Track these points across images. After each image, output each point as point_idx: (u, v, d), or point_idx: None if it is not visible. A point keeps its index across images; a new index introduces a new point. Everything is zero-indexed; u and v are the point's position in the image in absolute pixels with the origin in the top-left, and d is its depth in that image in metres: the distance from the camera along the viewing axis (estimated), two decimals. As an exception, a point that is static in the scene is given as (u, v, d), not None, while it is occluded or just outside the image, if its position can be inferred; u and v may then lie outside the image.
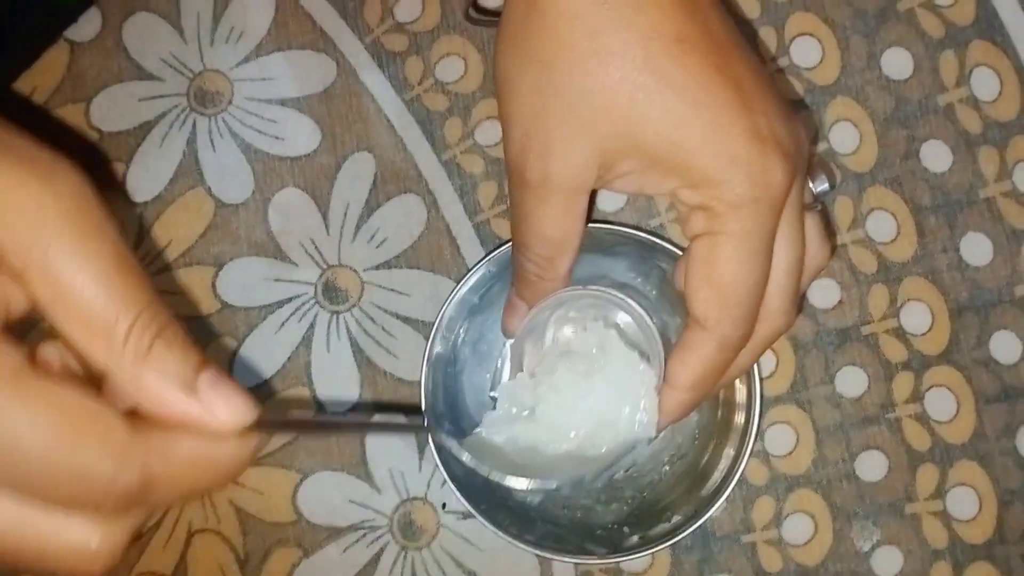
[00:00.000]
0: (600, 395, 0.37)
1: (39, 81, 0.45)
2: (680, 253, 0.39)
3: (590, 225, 0.41)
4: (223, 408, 0.23)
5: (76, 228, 0.21)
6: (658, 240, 0.39)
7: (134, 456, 0.21)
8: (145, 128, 0.45)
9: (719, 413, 0.41)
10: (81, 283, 0.21)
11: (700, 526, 0.39)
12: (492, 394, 0.44)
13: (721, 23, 0.32)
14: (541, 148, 0.32)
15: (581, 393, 0.37)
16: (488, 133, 0.45)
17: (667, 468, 0.42)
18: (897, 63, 0.44)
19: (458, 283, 0.40)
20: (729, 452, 0.40)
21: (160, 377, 0.22)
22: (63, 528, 0.22)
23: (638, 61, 0.30)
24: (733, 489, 0.39)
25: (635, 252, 0.41)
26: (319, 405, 0.44)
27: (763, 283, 0.32)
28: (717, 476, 0.40)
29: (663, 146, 0.31)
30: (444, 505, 0.43)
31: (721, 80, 0.31)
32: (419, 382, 0.40)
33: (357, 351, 0.44)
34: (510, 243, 0.39)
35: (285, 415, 0.27)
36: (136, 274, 0.22)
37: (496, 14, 0.34)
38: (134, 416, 0.22)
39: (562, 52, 0.30)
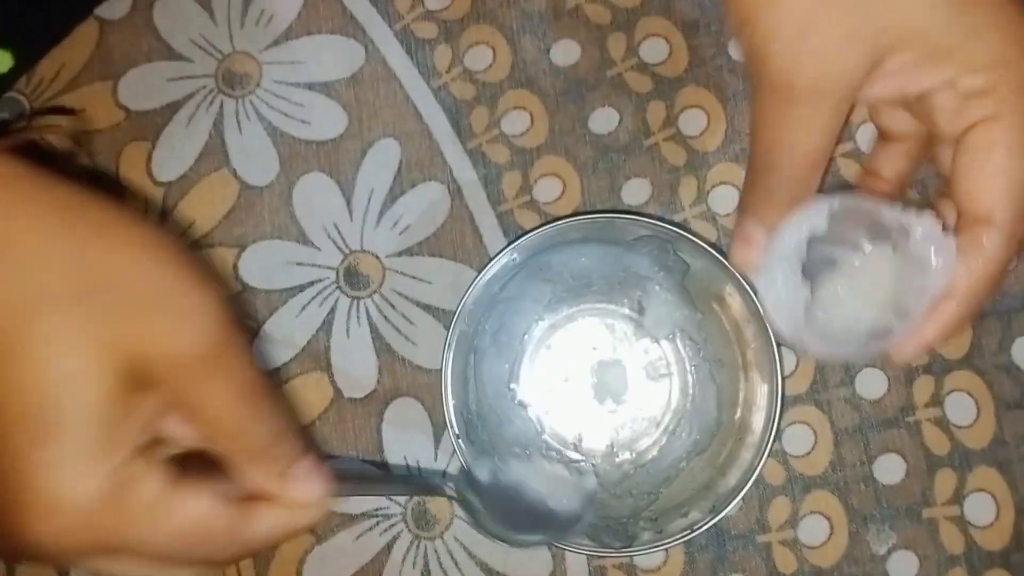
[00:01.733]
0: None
1: (68, 58, 0.45)
2: (702, 244, 0.39)
3: (614, 216, 0.41)
4: (306, 489, 0.30)
5: (217, 368, 0.27)
6: (682, 232, 0.39)
7: (242, 539, 0.28)
8: (172, 108, 0.45)
9: (738, 411, 0.41)
10: (227, 416, 0.27)
11: (715, 524, 0.38)
12: (512, 385, 0.44)
13: None
14: (817, 51, 0.30)
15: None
16: (515, 123, 0.45)
17: (684, 464, 0.42)
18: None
19: (480, 272, 0.40)
20: (748, 451, 0.40)
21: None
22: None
23: None
24: (749, 488, 0.38)
25: (657, 246, 0.41)
26: (336, 390, 0.44)
27: None
28: (735, 474, 0.40)
29: (947, 30, 0.30)
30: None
31: None
32: (440, 370, 0.39)
33: (376, 337, 0.44)
34: (530, 232, 0.39)
35: (344, 480, 0.32)
36: (263, 399, 0.28)
37: None
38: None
39: None
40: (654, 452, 0.43)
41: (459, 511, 0.43)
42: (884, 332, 0.33)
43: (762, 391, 0.40)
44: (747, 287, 0.38)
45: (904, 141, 0.36)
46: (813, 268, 0.34)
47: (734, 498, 0.38)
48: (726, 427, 0.42)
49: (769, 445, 0.38)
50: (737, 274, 0.38)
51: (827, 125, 0.32)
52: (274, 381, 0.43)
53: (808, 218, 0.33)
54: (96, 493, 0.25)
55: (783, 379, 0.39)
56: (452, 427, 0.39)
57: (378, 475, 0.40)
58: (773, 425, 0.39)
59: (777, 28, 0.31)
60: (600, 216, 0.39)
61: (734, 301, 0.40)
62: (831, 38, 0.30)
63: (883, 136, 0.37)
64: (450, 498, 0.38)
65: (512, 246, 0.39)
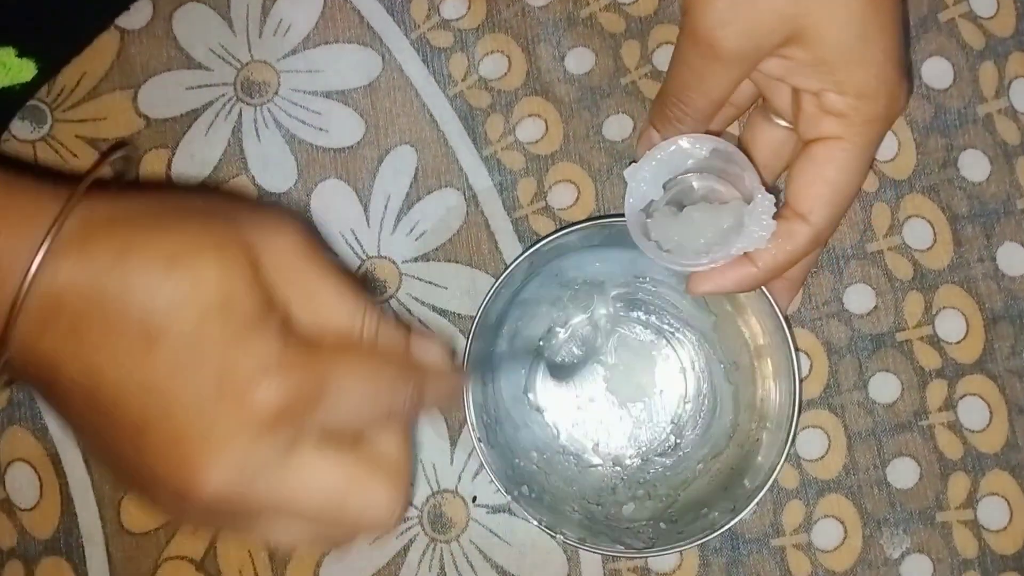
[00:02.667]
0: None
1: (89, 67, 0.46)
2: None
3: (624, 220, 0.41)
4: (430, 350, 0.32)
5: (312, 267, 0.29)
6: None
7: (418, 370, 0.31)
8: (192, 116, 0.45)
9: (756, 413, 0.41)
10: (327, 303, 0.30)
11: (729, 528, 0.39)
12: (528, 392, 0.44)
13: None
14: (748, 25, 0.35)
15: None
16: (529, 130, 0.45)
17: (701, 466, 0.43)
18: (937, 72, 0.45)
19: (497, 279, 0.40)
20: (766, 452, 0.40)
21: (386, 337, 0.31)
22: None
23: None
24: (764, 493, 0.39)
25: None
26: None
27: (858, 190, 0.37)
28: (754, 475, 0.40)
29: (840, 50, 0.35)
30: (475, 499, 0.44)
31: (898, 10, 0.36)
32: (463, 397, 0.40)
33: (393, 342, 0.44)
34: (547, 238, 0.39)
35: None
36: (351, 283, 0.30)
37: None
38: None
39: None
40: (672, 455, 0.44)
41: (475, 513, 0.44)
42: (691, 262, 0.37)
43: (779, 391, 0.40)
44: (763, 288, 0.39)
45: (733, 106, 0.41)
46: (679, 186, 0.39)
47: (754, 499, 0.38)
48: (743, 429, 0.42)
49: (788, 446, 0.39)
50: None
51: (737, 80, 0.37)
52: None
53: (693, 144, 0.38)
54: (282, 345, 0.27)
55: (801, 380, 0.39)
56: (473, 430, 0.39)
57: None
58: (792, 426, 0.39)
59: None
60: (616, 220, 0.40)
61: (749, 302, 0.40)
62: (761, 16, 0.35)
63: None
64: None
65: (528, 252, 0.40)
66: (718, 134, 0.41)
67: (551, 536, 0.39)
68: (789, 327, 0.39)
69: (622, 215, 0.38)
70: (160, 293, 0.26)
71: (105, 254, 0.26)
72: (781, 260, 0.37)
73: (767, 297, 0.39)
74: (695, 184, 0.39)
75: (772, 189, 0.38)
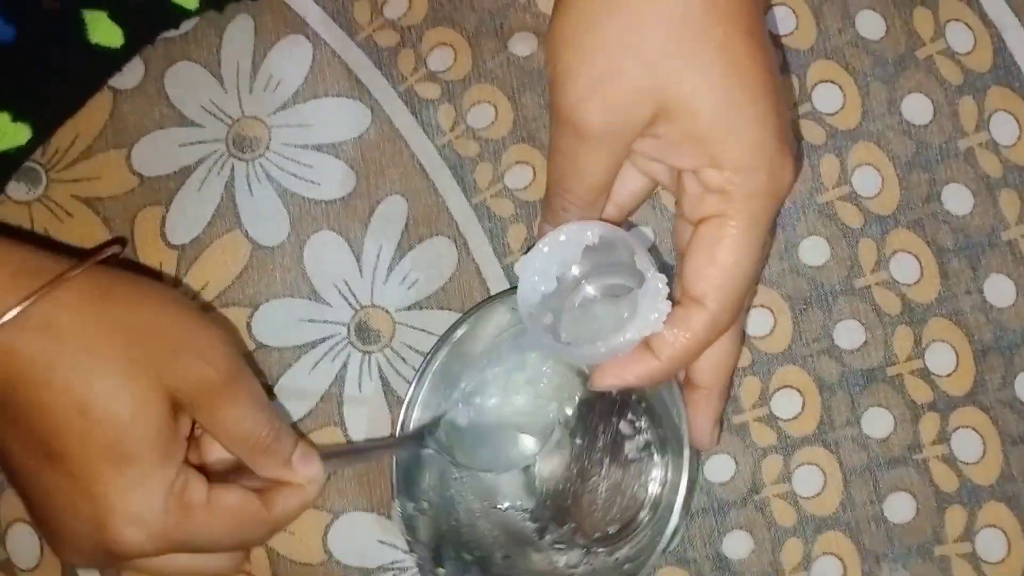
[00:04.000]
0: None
1: (82, 127, 0.46)
2: None
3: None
4: (307, 470, 0.39)
5: (231, 401, 0.36)
6: None
7: (271, 519, 0.38)
8: (185, 173, 0.46)
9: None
10: (233, 435, 0.36)
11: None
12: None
13: (764, 26, 0.36)
14: (608, 102, 0.34)
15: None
16: (518, 177, 0.46)
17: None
18: (917, 108, 0.45)
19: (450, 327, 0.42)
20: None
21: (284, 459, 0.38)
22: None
23: (717, 41, 0.33)
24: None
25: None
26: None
27: (757, 274, 0.36)
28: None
29: (711, 122, 0.34)
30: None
31: (770, 81, 0.35)
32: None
33: (388, 391, 0.45)
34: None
35: (333, 456, 0.41)
36: (267, 410, 0.37)
37: None
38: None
39: (655, 18, 0.33)
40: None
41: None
42: (589, 353, 0.37)
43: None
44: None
45: (614, 207, 0.40)
46: (580, 273, 0.40)
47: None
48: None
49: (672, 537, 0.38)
50: None
51: (610, 164, 0.36)
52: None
53: (587, 228, 0.38)
54: (164, 503, 0.34)
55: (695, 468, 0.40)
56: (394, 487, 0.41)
57: (362, 447, 0.44)
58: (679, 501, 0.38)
59: (575, 69, 0.34)
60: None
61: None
62: (622, 92, 0.34)
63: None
64: (427, 448, 0.42)
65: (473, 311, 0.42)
66: (619, 222, 0.41)
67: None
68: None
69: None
70: (96, 399, 0.33)
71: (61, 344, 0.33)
72: (680, 349, 0.36)
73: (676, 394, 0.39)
74: (589, 289, 0.39)
75: (664, 269, 0.37)
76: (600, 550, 0.42)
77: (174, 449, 0.35)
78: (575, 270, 0.39)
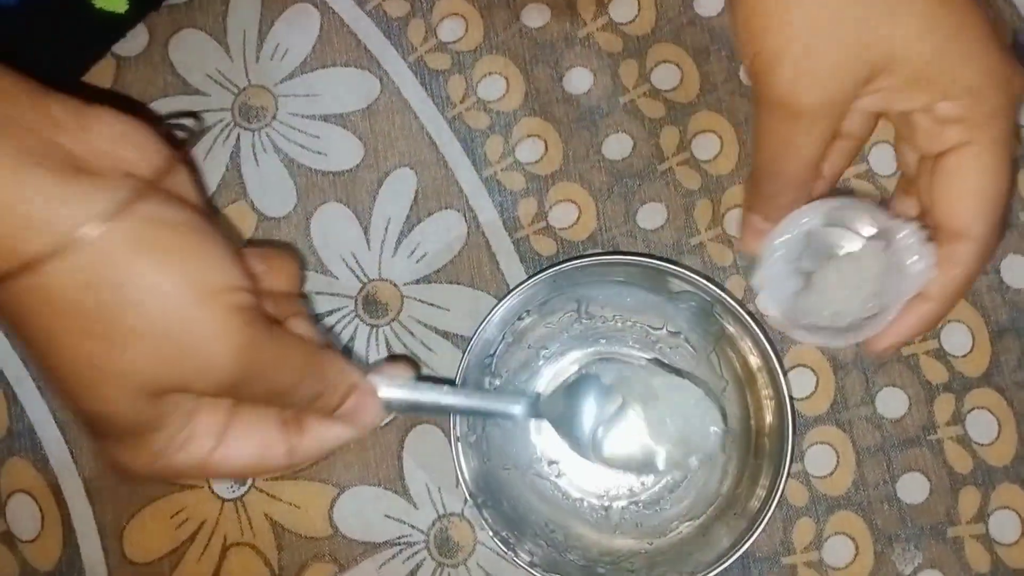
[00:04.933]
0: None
1: (85, 95, 0.45)
2: (740, 310, 0.39)
3: (652, 263, 0.40)
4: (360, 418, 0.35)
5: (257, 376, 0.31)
6: (723, 294, 0.39)
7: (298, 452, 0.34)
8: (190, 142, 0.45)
9: (741, 487, 0.41)
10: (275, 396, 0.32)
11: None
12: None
13: None
14: (820, 72, 0.33)
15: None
16: (528, 150, 0.45)
17: (676, 524, 0.42)
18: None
19: (499, 300, 0.40)
20: (741, 523, 0.39)
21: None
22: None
23: None
24: (773, 511, 0.38)
25: (698, 304, 0.40)
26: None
27: (1010, 190, 0.35)
28: (723, 543, 0.39)
29: (931, 60, 0.33)
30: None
31: (974, 7, 0.34)
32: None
33: (396, 365, 0.44)
34: (549, 268, 0.39)
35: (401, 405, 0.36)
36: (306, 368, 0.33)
37: None
38: None
39: None
40: (651, 507, 0.43)
41: (481, 536, 0.43)
42: (864, 324, 0.36)
43: (767, 473, 0.39)
44: (776, 367, 0.38)
45: (848, 140, 0.39)
46: (809, 262, 0.38)
47: (714, 570, 0.38)
48: (725, 499, 0.41)
49: (762, 525, 0.38)
50: (769, 350, 0.39)
51: (826, 135, 0.35)
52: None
53: (807, 214, 0.37)
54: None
55: (790, 464, 0.38)
56: (465, 483, 0.39)
57: (440, 400, 0.37)
58: (769, 507, 0.38)
59: (783, 50, 0.33)
60: (647, 261, 0.39)
61: (761, 377, 0.40)
62: (832, 59, 0.33)
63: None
64: (519, 416, 0.38)
65: (537, 278, 0.39)
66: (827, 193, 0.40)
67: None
68: (793, 413, 0.38)
69: (652, 256, 0.37)
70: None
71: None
72: (954, 288, 0.35)
73: (781, 380, 0.38)
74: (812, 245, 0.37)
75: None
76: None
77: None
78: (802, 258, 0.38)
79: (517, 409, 0.38)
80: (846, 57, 0.33)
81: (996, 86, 0.34)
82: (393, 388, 0.35)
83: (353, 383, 0.34)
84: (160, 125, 0.31)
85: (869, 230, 0.37)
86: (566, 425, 0.39)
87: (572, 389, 0.40)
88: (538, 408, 0.39)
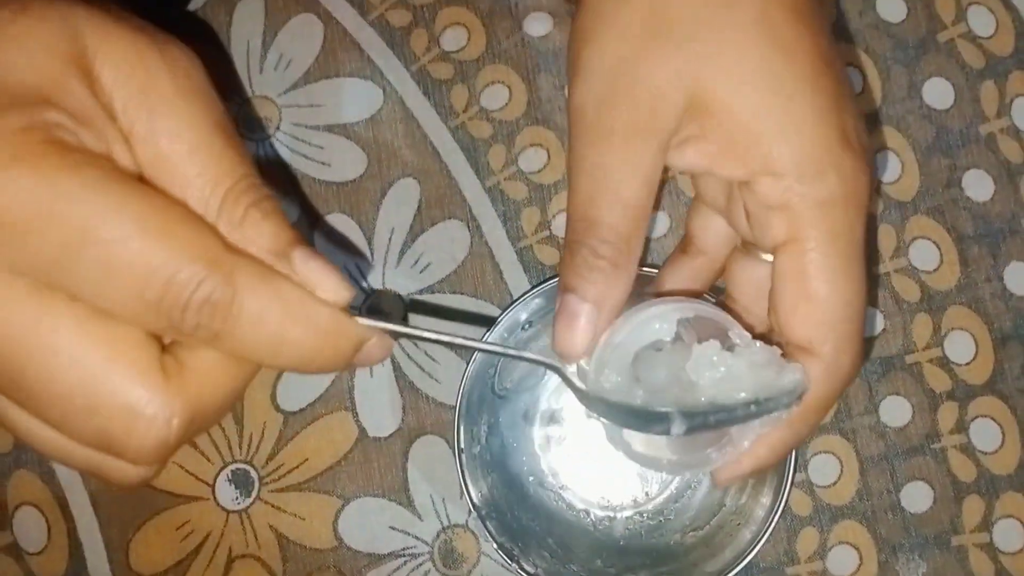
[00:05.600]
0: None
1: (90, 106, 0.46)
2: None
3: (655, 273, 0.38)
4: (319, 281, 0.23)
5: (181, 96, 0.23)
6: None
7: (223, 265, 0.22)
8: (193, 153, 0.45)
9: (744, 497, 0.41)
10: (179, 150, 0.22)
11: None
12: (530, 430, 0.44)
13: (823, 15, 0.30)
14: (638, 91, 0.28)
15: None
16: (531, 160, 0.45)
17: (678, 535, 0.42)
18: (938, 93, 0.45)
19: (503, 310, 0.40)
20: (745, 533, 0.39)
21: (253, 246, 0.23)
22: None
23: (752, 13, 0.28)
24: (777, 521, 0.38)
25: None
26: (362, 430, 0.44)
27: (864, 296, 0.29)
28: (728, 554, 0.39)
29: (756, 112, 0.28)
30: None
31: (825, 65, 0.28)
32: (455, 407, 0.39)
33: (400, 375, 0.44)
34: (552, 279, 0.39)
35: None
36: (236, 148, 0.23)
37: None
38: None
39: None
40: (656, 518, 0.43)
41: (486, 548, 0.43)
42: (706, 456, 0.31)
43: (770, 483, 0.39)
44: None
45: (709, 255, 0.34)
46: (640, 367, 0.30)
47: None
48: (729, 509, 0.41)
49: (767, 535, 0.38)
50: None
51: (647, 172, 0.29)
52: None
53: (654, 319, 0.29)
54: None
55: (794, 473, 0.38)
56: (469, 495, 0.39)
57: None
58: (773, 517, 0.38)
59: (595, 66, 0.29)
60: (650, 271, 0.38)
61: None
62: (657, 78, 0.28)
63: (688, 248, 0.35)
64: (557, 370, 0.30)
65: (540, 288, 0.39)
66: (715, 277, 0.35)
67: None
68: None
69: (640, 263, 0.33)
70: None
71: None
72: (805, 412, 0.29)
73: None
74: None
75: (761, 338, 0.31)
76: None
77: None
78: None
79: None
80: (659, 80, 0.28)
81: (832, 170, 0.28)
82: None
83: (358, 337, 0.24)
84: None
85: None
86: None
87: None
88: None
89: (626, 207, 0.29)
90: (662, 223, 0.45)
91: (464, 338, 0.29)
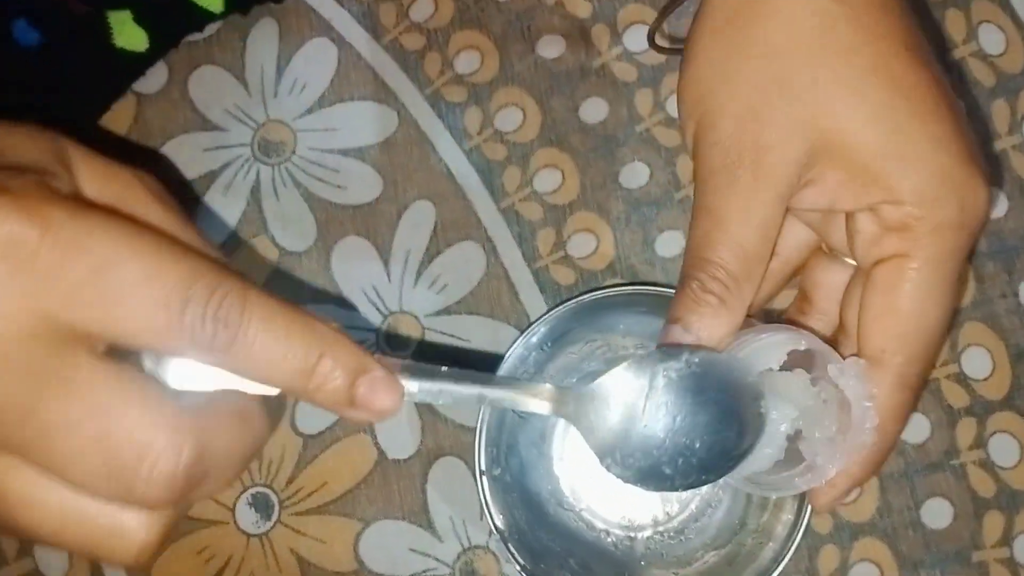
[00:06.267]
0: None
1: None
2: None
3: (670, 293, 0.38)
4: (381, 402, 0.25)
5: (158, 202, 0.25)
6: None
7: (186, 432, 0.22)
8: (210, 177, 0.46)
9: (766, 515, 0.40)
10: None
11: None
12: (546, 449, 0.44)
13: (927, 45, 0.31)
14: (761, 141, 0.30)
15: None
16: (546, 181, 0.45)
17: (700, 553, 0.42)
18: (950, 111, 0.45)
19: (521, 332, 0.40)
20: (767, 552, 0.39)
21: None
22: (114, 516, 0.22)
23: (868, 59, 0.29)
24: (799, 540, 0.38)
25: None
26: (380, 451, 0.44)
27: (947, 324, 0.30)
28: (749, 574, 0.39)
29: (878, 152, 0.29)
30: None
31: (942, 95, 0.30)
32: (476, 428, 0.39)
33: (418, 397, 0.44)
34: (569, 300, 0.39)
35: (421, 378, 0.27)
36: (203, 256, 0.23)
37: (681, 41, 0.34)
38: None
39: (791, 43, 0.30)
40: (676, 538, 0.43)
41: (507, 569, 0.43)
42: (791, 480, 0.32)
43: (792, 500, 0.39)
44: None
45: (782, 256, 0.35)
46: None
47: None
48: (748, 529, 0.41)
49: (790, 554, 0.38)
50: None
51: (765, 220, 0.30)
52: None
53: (763, 350, 0.30)
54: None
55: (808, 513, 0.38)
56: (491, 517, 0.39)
57: (462, 375, 0.30)
58: (796, 536, 0.38)
59: (723, 107, 0.30)
60: (668, 291, 0.38)
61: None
62: (778, 128, 0.30)
63: None
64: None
65: (558, 310, 0.39)
66: (786, 280, 0.36)
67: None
68: None
69: (657, 283, 0.34)
70: None
71: None
72: (886, 424, 0.31)
73: None
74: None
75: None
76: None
77: None
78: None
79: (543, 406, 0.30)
80: (790, 124, 0.29)
81: (952, 197, 0.29)
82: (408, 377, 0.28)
83: (361, 365, 0.25)
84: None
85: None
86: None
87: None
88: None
89: (739, 250, 0.30)
90: (678, 243, 0.45)
91: (476, 384, 0.30)
